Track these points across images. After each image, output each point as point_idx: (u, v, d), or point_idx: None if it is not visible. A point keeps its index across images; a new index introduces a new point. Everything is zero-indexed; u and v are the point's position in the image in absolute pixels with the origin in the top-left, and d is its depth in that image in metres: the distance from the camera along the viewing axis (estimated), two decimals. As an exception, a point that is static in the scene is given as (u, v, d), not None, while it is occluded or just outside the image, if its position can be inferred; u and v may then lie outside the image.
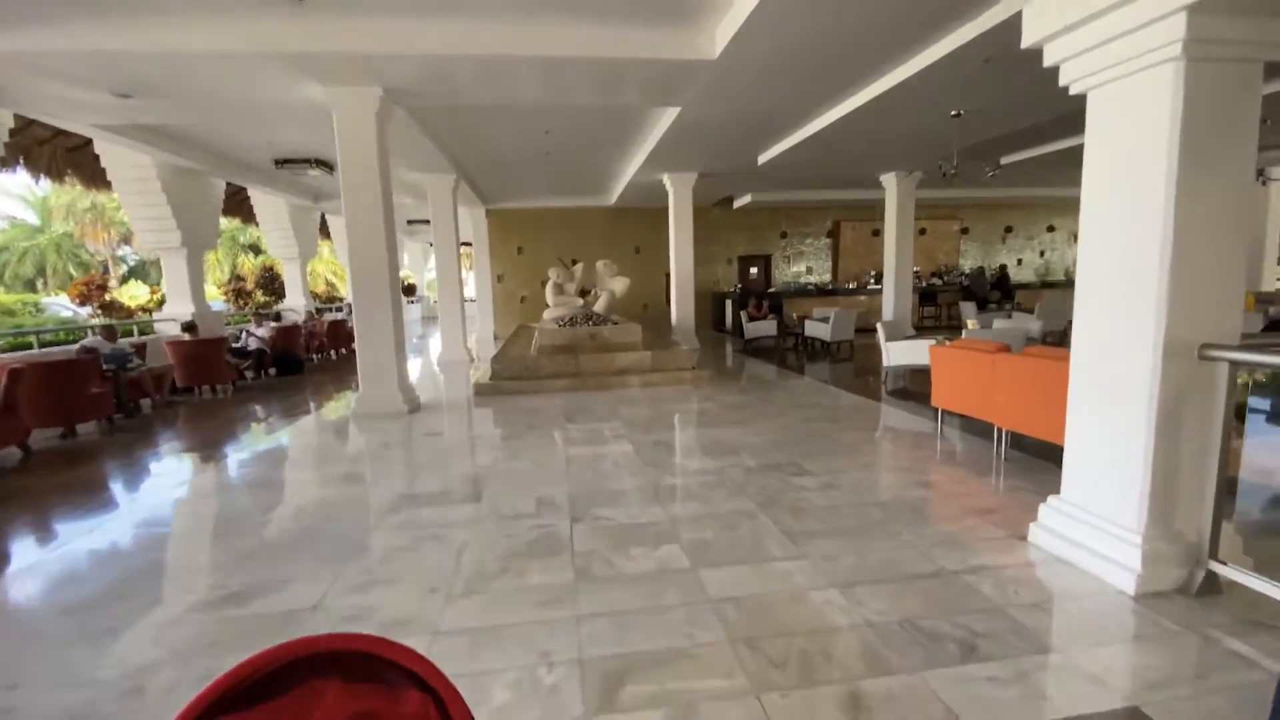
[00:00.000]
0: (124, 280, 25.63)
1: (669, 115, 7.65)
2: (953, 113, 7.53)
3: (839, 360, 10.30)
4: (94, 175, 8.87)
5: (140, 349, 7.93)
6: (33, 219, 27.17)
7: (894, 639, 2.37)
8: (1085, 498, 3.01)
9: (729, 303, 15.06)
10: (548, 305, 10.00)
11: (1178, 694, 2.05)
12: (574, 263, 10.88)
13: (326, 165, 9.50)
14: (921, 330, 12.68)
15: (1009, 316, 11.09)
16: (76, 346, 7.17)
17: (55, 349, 7.50)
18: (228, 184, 10.52)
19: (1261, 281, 11.95)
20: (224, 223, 18.02)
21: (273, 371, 10.17)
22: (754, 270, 16.71)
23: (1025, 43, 3.03)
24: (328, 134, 6.37)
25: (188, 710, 0.63)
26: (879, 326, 8.27)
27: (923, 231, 15.66)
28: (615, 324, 9.19)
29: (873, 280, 15.81)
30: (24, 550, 3.60)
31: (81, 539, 3.68)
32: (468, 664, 2.29)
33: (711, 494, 4.01)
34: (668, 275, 13.39)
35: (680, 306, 11.66)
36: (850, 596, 2.69)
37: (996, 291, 15.15)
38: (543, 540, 3.35)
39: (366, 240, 6.36)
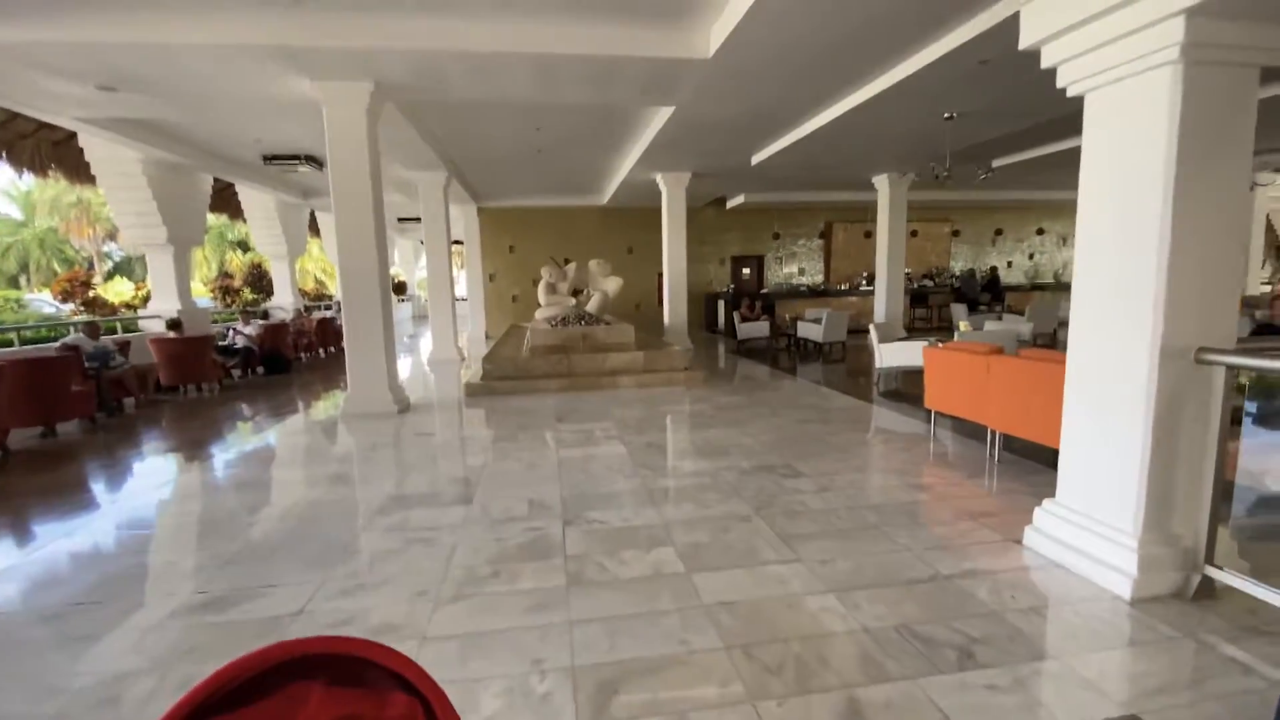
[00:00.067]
0: (109, 277, 25.28)
1: (663, 114, 7.60)
2: (945, 115, 7.54)
3: (831, 361, 10.30)
4: (78, 169, 8.71)
5: (124, 347, 7.80)
6: (16, 214, 26.76)
7: (891, 645, 2.34)
8: (1081, 501, 3.00)
9: (722, 303, 15.05)
10: (540, 305, 9.93)
11: (1176, 701, 2.03)
12: (566, 262, 10.82)
13: (316, 162, 9.38)
14: (913, 332, 12.72)
15: (1000, 318, 11.16)
16: (58, 344, 7.03)
17: (36, 346, 7.35)
18: (215, 179, 10.37)
19: (1246, 285, 12.08)
20: (211, 219, 17.82)
21: (260, 370, 10.04)
22: (746, 271, 16.70)
23: (1023, 44, 3.02)
24: (317, 129, 6.28)
25: (168, 717, 0.61)
26: (871, 328, 8.27)
27: (914, 233, 15.72)
28: (608, 324, 9.14)
29: (865, 282, 15.84)
30: (0, 553, 3.50)
31: (60, 541, 3.59)
32: (457, 671, 2.24)
33: (705, 496, 3.97)
34: (660, 275, 13.39)
35: (673, 307, 11.63)
36: (846, 601, 2.66)
37: (987, 294, 15.23)
38: (534, 543, 3.30)
39: (356, 238, 6.28)
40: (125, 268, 27.27)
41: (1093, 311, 2.90)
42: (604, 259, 10.05)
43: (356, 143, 6.15)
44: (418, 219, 11.73)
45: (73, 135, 7.95)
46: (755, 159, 10.09)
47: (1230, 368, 2.54)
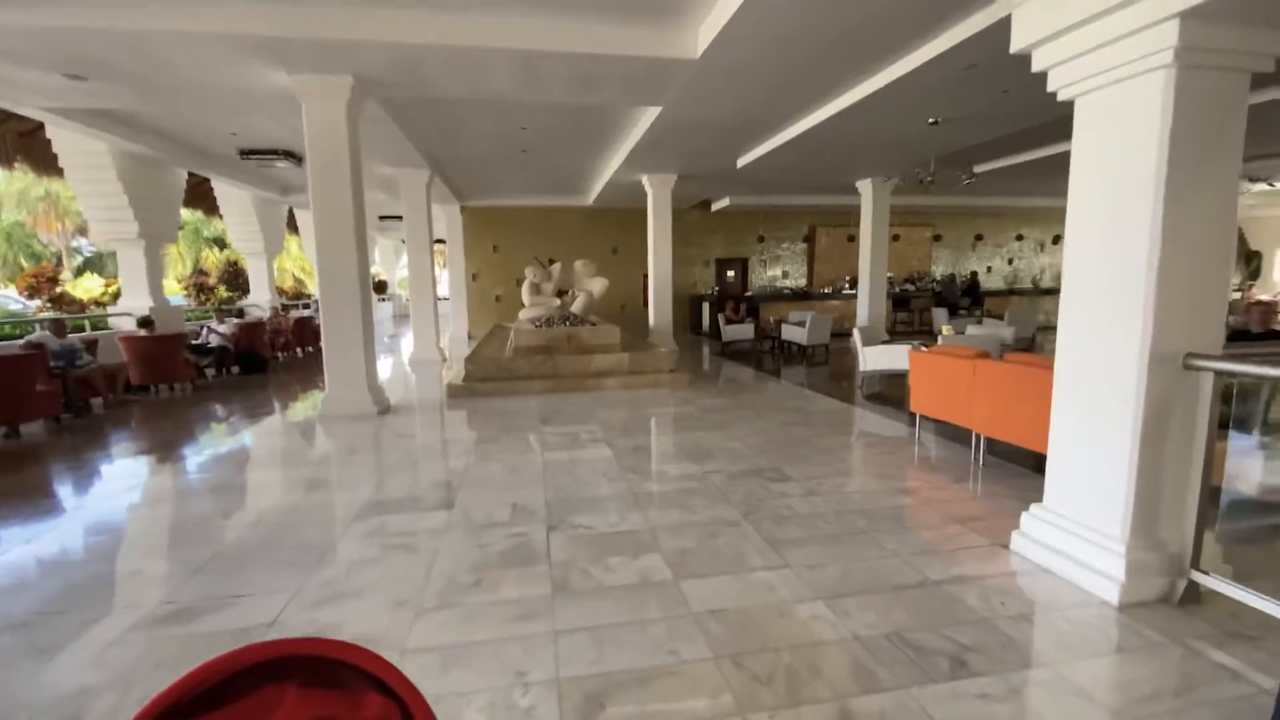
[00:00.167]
0: (79, 273, 24.58)
1: (649, 115, 7.56)
2: (930, 120, 7.59)
3: (815, 364, 10.33)
4: (46, 161, 8.42)
5: (91, 345, 7.55)
6: (-20, 207, 25.89)
7: (882, 653, 2.31)
8: (1068, 506, 2.99)
9: (706, 305, 15.05)
10: (524, 305, 9.82)
11: (1167, 708, 2.02)
12: (551, 262, 10.72)
13: (295, 157, 9.18)
14: (895, 336, 12.81)
15: (980, 323, 11.27)
16: (22, 341, 6.78)
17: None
18: (190, 174, 10.11)
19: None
20: (187, 215, 17.40)
21: (235, 370, 9.80)
22: (731, 273, 16.72)
23: (1014, 47, 3.01)
24: (296, 124, 6.13)
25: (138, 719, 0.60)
26: (855, 331, 8.30)
27: (896, 238, 15.84)
28: (593, 325, 9.07)
29: (847, 285, 15.95)
30: (-46, 561, 3.34)
31: (21, 547, 3.43)
32: (438, 684, 2.15)
33: (692, 501, 3.92)
34: (645, 276, 13.34)
35: (658, 308, 11.58)
36: (836, 609, 2.62)
37: (967, 298, 15.42)
38: (518, 550, 3.22)
39: (336, 236, 6.14)
40: (96, 263, 26.53)
41: (1081, 316, 2.90)
42: (589, 259, 9.98)
43: (336, 138, 6.01)
44: (399, 217, 11.56)
45: (40, 126, 7.68)
46: (741, 161, 10.09)
47: (1218, 373, 2.54)
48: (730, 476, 4.39)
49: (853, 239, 15.23)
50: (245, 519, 3.84)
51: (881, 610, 2.61)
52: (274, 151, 9.06)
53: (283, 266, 23.28)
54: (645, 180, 11.16)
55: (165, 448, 5.54)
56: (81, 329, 9.11)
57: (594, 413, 6.56)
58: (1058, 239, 18.39)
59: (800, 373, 9.48)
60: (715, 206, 15.33)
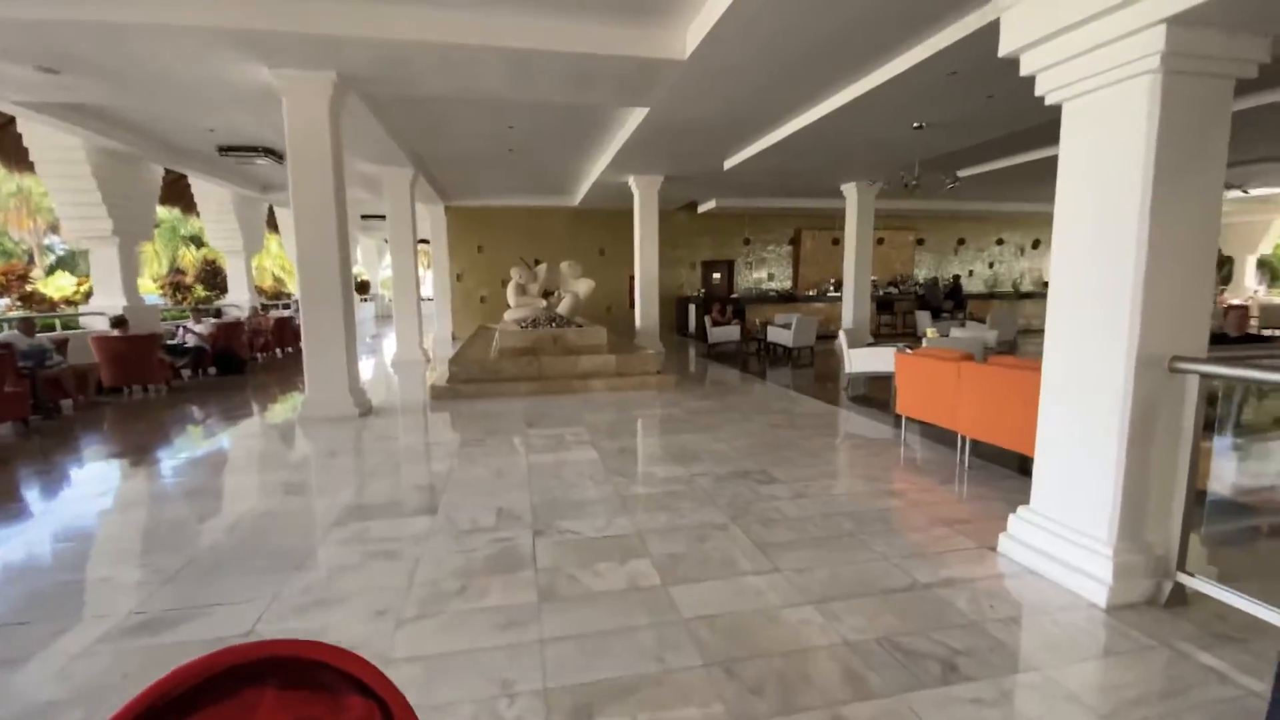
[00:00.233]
0: (50, 271, 23.98)
1: (637, 115, 7.53)
2: (915, 124, 7.65)
3: (800, 366, 10.36)
4: (17, 156, 8.21)
5: (61, 345, 7.34)
6: (-52, 203, 25.17)
7: (874, 659, 2.28)
8: (1055, 508, 3.00)
9: (693, 307, 15.06)
10: (509, 306, 9.73)
11: (1158, 712, 2.02)
12: (537, 263, 10.64)
13: (275, 154, 9.02)
14: (879, 338, 12.91)
15: (963, 325, 11.38)
16: (-12, 341, 6.57)
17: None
18: (166, 170, 9.89)
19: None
20: (163, 212, 17.04)
21: (212, 371, 9.59)
22: (717, 275, 16.75)
23: (1002, 51, 3.02)
24: (277, 120, 6.00)
25: None
26: (841, 334, 8.34)
27: (880, 241, 15.96)
28: (579, 326, 9.00)
29: (832, 288, 16.04)
30: (-89, 570, 3.20)
31: (-19, 556, 3.30)
32: (421, 695, 2.09)
33: (680, 504, 3.88)
34: (632, 278, 13.29)
35: (645, 310, 11.54)
36: (826, 613, 2.60)
37: (950, 301, 15.61)
38: (503, 555, 3.16)
39: (316, 235, 6.02)
40: (69, 262, 25.89)
41: (1069, 319, 2.91)
42: (575, 261, 9.92)
43: (318, 135, 5.90)
44: (382, 217, 11.41)
45: (12, 120, 7.48)
46: (728, 164, 10.09)
47: (1204, 376, 2.56)
48: (718, 479, 4.36)
49: (837, 242, 15.33)
50: (220, 525, 3.73)
51: (871, 614, 2.59)
52: (254, 149, 8.89)
53: (262, 266, 22.89)
54: (632, 181, 11.13)
55: (138, 451, 5.39)
56: (52, 328, 8.87)
57: (580, 415, 6.50)
58: (1037, 244, 18.68)
59: (786, 374, 9.50)
60: (701, 208, 15.34)
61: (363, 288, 23.76)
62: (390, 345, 12.22)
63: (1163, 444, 2.68)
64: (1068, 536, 2.88)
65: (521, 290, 9.66)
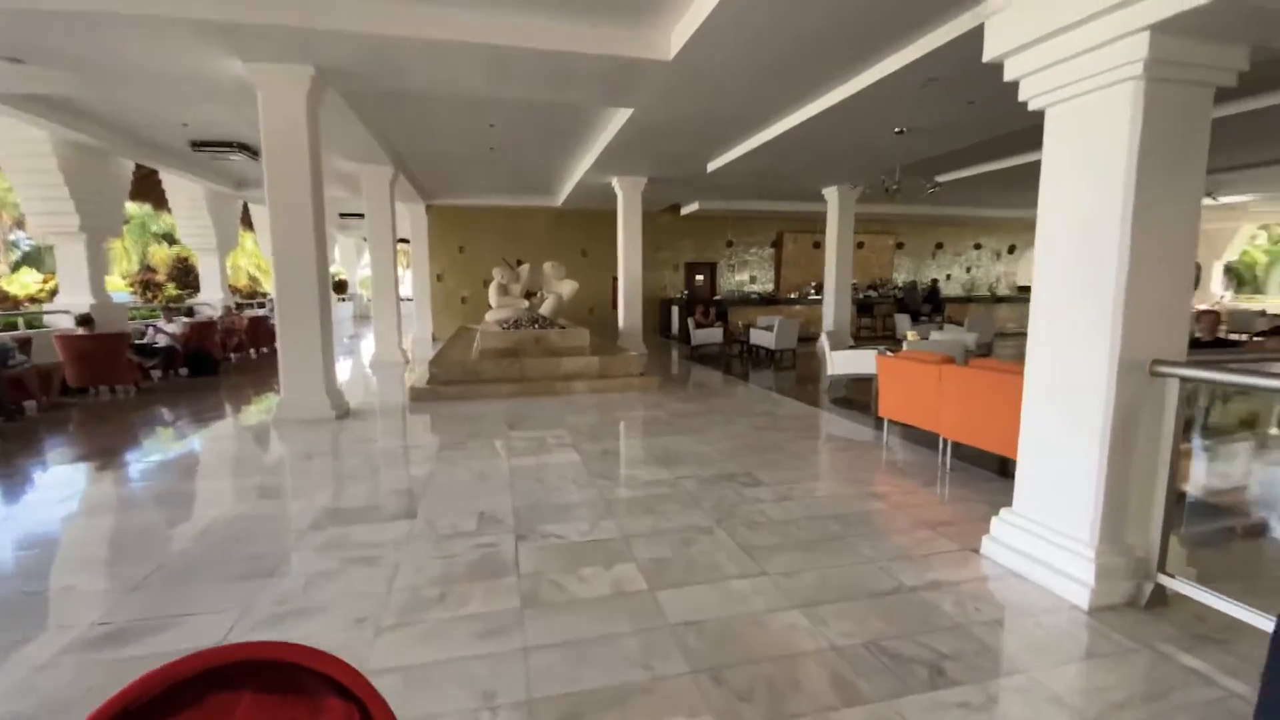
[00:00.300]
0: (15, 267, 23.21)
1: (621, 116, 7.49)
2: (896, 129, 7.72)
3: (782, 368, 10.39)
4: (-23, 149, 7.91)
5: (25, 344, 7.09)
6: (-95, 197, 24.25)
7: (861, 664, 2.26)
8: (1038, 511, 3.02)
9: (675, 309, 15.06)
10: (490, 307, 9.63)
11: (1142, 714, 2.03)
12: (519, 263, 10.55)
13: (250, 150, 8.82)
14: (859, 341, 13.04)
15: (940, 328, 11.53)
16: (-55, 340, 6.32)
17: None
18: (137, 165, 9.61)
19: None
20: (133, 208, 16.61)
21: (184, 371, 9.34)
22: (700, 277, 16.78)
23: (987, 56, 3.04)
24: (253, 115, 5.85)
25: None
26: (823, 336, 8.40)
27: (860, 245, 16.13)
28: (562, 328, 8.93)
29: (813, 291, 16.16)
30: None
31: (-66, 565, 3.15)
32: (400, 707, 2.00)
33: (665, 507, 3.84)
34: (615, 279, 13.24)
35: (628, 311, 11.50)
36: (813, 617, 2.58)
37: (928, 304, 15.82)
38: (485, 561, 3.09)
39: (293, 233, 5.87)
40: (34, 258, 25.10)
41: (1052, 323, 2.93)
42: (558, 261, 9.84)
43: (295, 132, 5.76)
44: (361, 215, 11.22)
45: (-30, 111, 7.19)
46: (711, 166, 10.11)
47: (1184, 380, 2.59)
48: (702, 482, 4.33)
49: (819, 245, 15.43)
50: (191, 531, 3.60)
51: (858, 618, 2.58)
52: (228, 144, 8.68)
53: (237, 264, 22.42)
54: (615, 182, 11.09)
55: (105, 453, 5.21)
56: (14, 326, 8.57)
57: (563, 417, 6.44)
58: (1013, 249, 19.02)
59: (768, 376, 9.52)
60: (685, 211, 15.35)
61: (340, 287, 23.39)
62: (369, 346, 12.03)
63: (1143, 446, 2.70)
64: (1050, 538, 2.90)
65: (504, 291, 9.56)
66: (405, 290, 15.75)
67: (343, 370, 9.87)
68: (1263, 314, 12.59)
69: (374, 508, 3.89)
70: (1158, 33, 2.33)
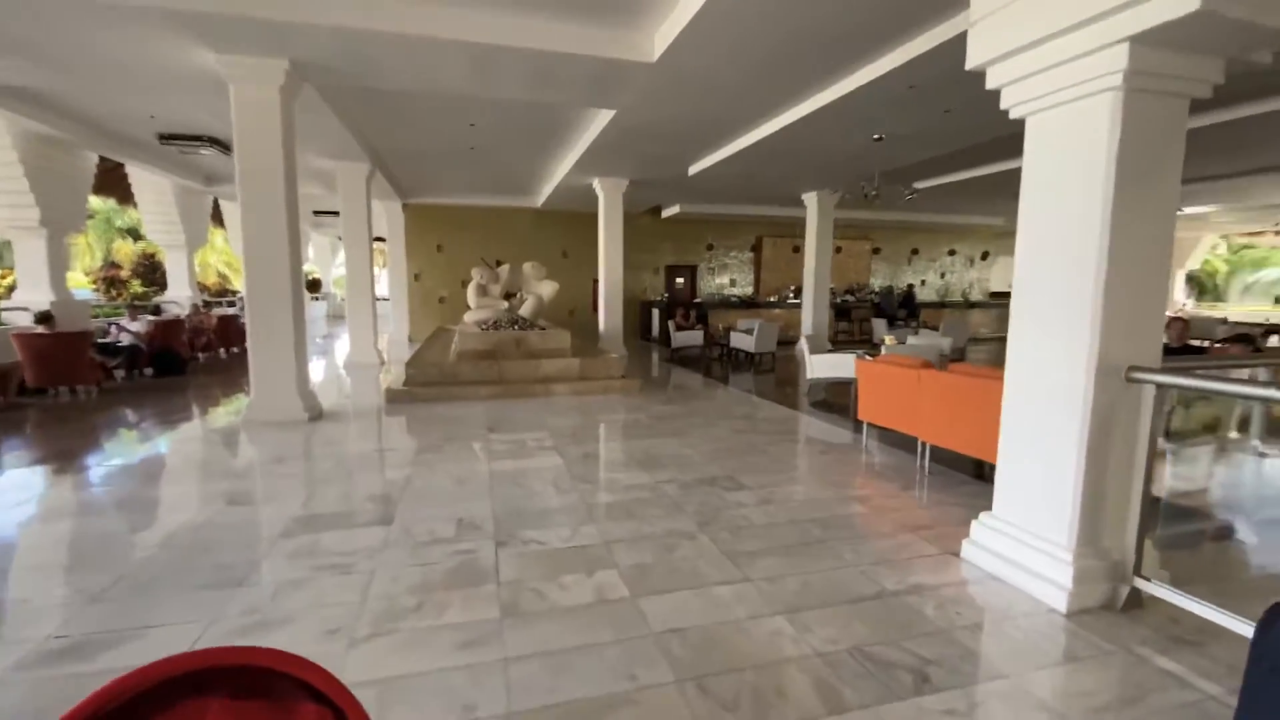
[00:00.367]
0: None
1: (603, 117, 7.46)
2: (875, 136, 7.81)
3: (762, 371, 10.43)
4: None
5: (-21, 342, 6.80)
6: None
7: (846, 671, 2.25)
8: (1017, 515, 3.05)
9: (656, 311, 15.05)
10: (469, 307, 9.50)
11: (1123, 717, 2.04)
12: (499, 263, 10.43)
13: (222, 145, 8.58)
14: (837, 344, 13.16)
15: (916, 333, 11.69)
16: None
17: None
18: (101, 158, 9.29)
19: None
20: (97, 202, 16.09)
21: (149, 371, 9.04)
22: (680, 280, 16.81)
23: (970, 64, 3.06)
24: (225, 108, 5.69)
25: None
26: (803, 339, 8.44)
27: (838, 250, 16.31)
28: (543, 329, 8.85)
29: (792, 295, 16.28)
30: None
31: (-124, 576, 2.98)
32: (375, 723, 1.95)
33: (647, 511, 3.81)
34: (595, 282, 13.19)
35: (609, 313, 11.45)
36: (798, 624, 2.56)
37: (904, 309, 16.05)
38: (463, 569, 3.02)
39: (265, 230, 5.72)
40: (-8, 253, 24.17)
41: (1031, 329, 2.96)
42: (538, 262, 9.76)
43: (268, 126, 5.61)
44: (336, 213, 11.00)
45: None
46: (693, 169, 10.13)
47: (1159, 386, 2.63)
48: (684, 486, 4.30)
49: (798, 250, 15.59)
50: (155, 538, 3.47)
51: (842, 624, 2.57)
52: (198, 138, 8.44)
53: (206, 261, 21.88)
54: (597, 184, 11.04)
55: (64, 456, 5.00)
56: (-33, 324, 8.22)
57: (543, 419, 6.37)
58: (986, 255, 19.40)
59: (748, 379, 9.55)
60: (666, 213, 15.36)
61: (313, 286, 22.97)
62: (343, 346, 11.79)
63: (1119, 451, 2.74)
64: (1029, 542, 2.92)
65: (483, 291, 9.44)
66: (381, 290, 15.50)
67: (316, 371, 9.66)
68: (1224, 321, 13.01)
69: (348, 513, 3.78)
70: (1137, 44, 2.37)
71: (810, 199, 12.37)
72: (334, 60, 5.44)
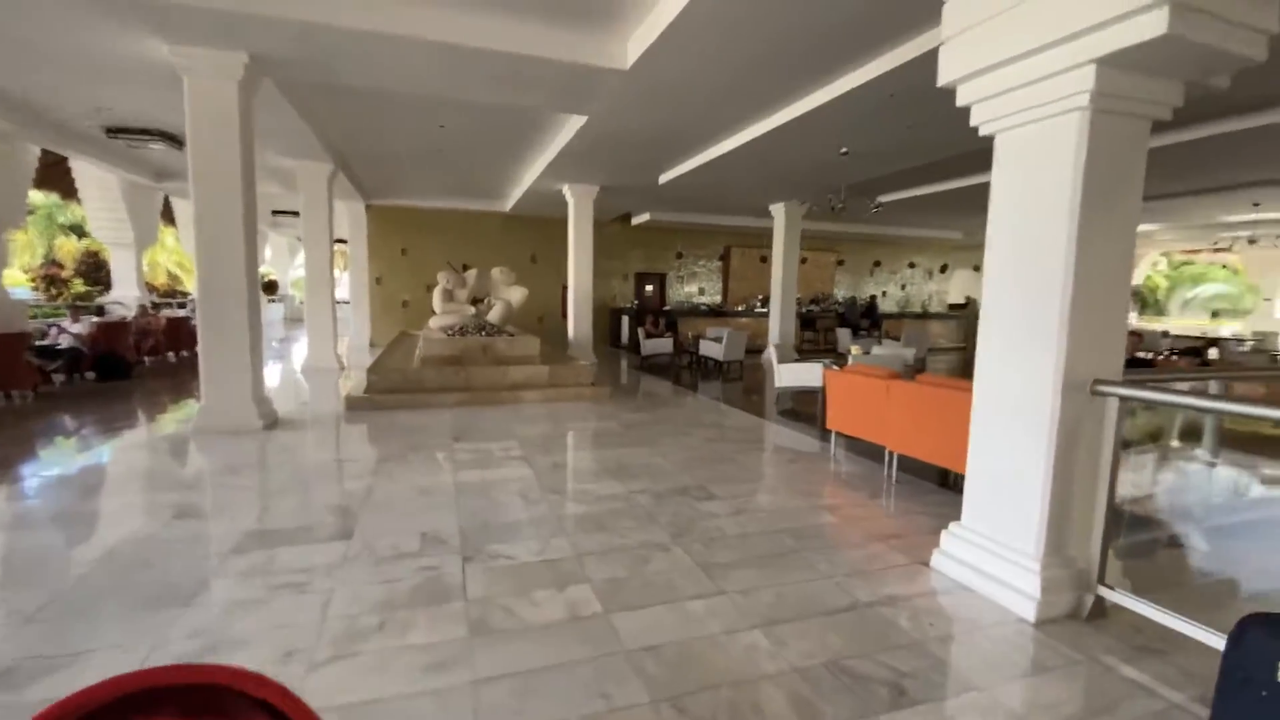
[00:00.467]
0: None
1: (574, 124, 7.40)
2: (842, 150, 7.95)
3: (730, 379, 10.48)
4: None
5: (-100, 343, 6.33)
6: None
7: (823, 685, 2.23)
8: (986, 525, 3.09)
9: (626, 318, 15.01)
10: (434, 312, 9.30)
11: (1092, 729, 2.07)
12: (465, 268, 10.25)
13: (174, 139, 8.23)
14: (802, 354, 13.33)
15: (880, 343, 11.93)
16: None
17: None
18: (44, 151, 8.80)
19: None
20: (38, 197, 15.28)
21: (91, 375, 8.57)
22: (650, 288, 16.82)
23: (941, 81, 3.12)
24: (177, 101, 5.44)
25: None
26: (770, 348, 8.51)
27: (804, 261, 16.54)
28: (511, 335, 8.71)
29: (759, 304, 16.45)
30: None
31: None
32: (334, 754, 1.84)
33: (620, 523, 3.74)
34: (565, 288, 13.08)
35: (578, 320, 11.36)
36: (773, 637, 2.53)
37: (866, 320, 16.37)
38: (428, 585, 2.90)
39: (219, 230, 5.47)
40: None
41: (1000, 343, 3.01)
42: (507, 267, 9.62)
43: (225, 122, 5.39)
44: (295, 213, 10.66)
45: None
46: (663, 178, 10.14)
47: (1122, 399, 2.70)
48: (657, 496, 4.25)
49: (765, 259, 15.75)
50: (93, 554, 3.24)
51: (817, 637, 2.55)
52: (148, 131, 8.07)
53: (155, 260, 20.98)
54: (567, 190, 10.97)
55: (-7, 468, 4.67)
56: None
57: (511, 428, 6.24)
58: (945, 268, 19.97)
59: (717, 387, 9.58)
60: (635, 221, 15.37)
61: (270, 287, 22.24)
62: (301, 350, 11.40)
63: (1084, 462, 2.80)
64: (997, 552, 2.96)
65: (449, 296, 9.26)
66: (342, 293, 15.08)
67: (272, 376, 9.31)
68: (1165, 334, 13.62)
69: (305, 528, 3.61)
70: (1104, 66, 2.43)
71: (778, 210, 12.54)
72: (296, 55, 5.26)
